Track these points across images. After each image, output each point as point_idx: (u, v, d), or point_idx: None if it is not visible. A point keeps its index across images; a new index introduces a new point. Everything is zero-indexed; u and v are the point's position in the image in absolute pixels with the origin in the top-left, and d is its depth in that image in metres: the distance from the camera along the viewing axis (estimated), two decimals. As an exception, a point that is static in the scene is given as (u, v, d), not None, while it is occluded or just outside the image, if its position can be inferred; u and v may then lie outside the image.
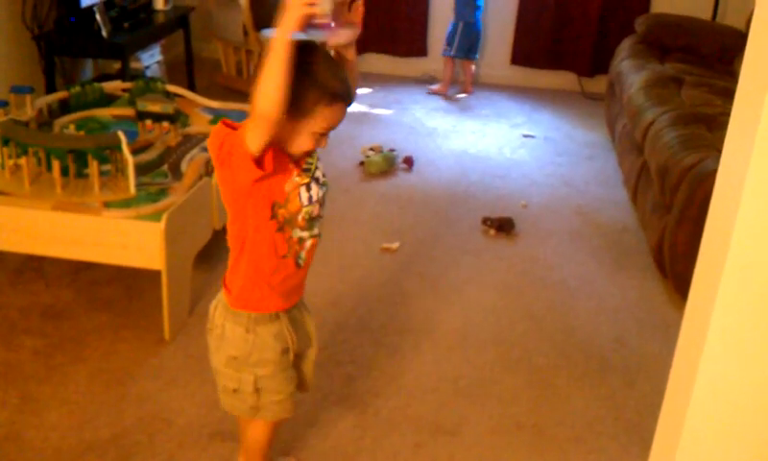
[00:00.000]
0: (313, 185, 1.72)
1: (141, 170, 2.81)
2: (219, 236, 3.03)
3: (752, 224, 1.03)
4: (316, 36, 1.56)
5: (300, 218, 1.71)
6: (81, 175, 2.72)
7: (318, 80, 1.58)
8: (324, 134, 1.65)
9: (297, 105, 1.57)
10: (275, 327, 1.79)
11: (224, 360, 1.82)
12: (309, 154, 1.69)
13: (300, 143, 1.63)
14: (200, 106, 3.53)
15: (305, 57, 1.58)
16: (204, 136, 3.18)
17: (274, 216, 1.68)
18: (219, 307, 1.82)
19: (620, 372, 2.61)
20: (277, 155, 1.61)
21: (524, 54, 5.61)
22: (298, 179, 1.68)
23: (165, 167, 2.92)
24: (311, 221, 1.75)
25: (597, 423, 2.37)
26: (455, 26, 5.27)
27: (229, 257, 1.77)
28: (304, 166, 1.70)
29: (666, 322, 2.89)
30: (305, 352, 1.94)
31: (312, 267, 1.85)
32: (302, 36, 1.51)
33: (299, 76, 1.55)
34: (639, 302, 3.04)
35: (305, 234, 1.75)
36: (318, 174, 1.75)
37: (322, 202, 1.77)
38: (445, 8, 5.60)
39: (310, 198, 1.72)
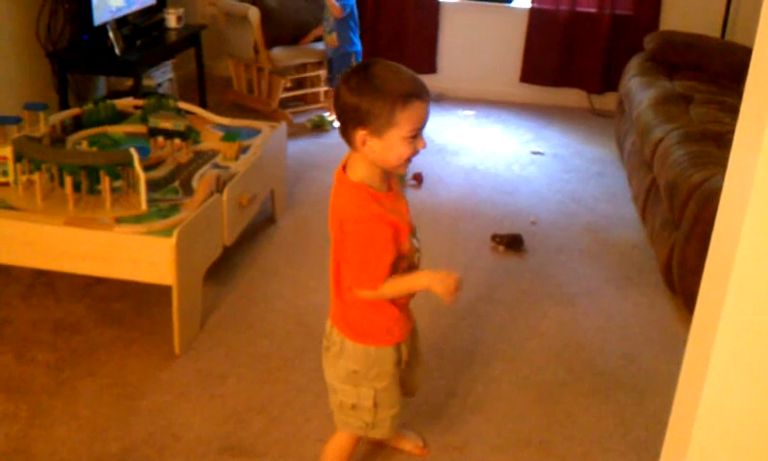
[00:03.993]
0: (416, 231, 1.87)
1: (153, 186, 2.84)
2: (229, 252, 3.05)
3: (756, 241, 1.04)
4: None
5: (416, 259, 1.84)
6: (93, 191, 2.75)
7: (385, 89, 1.62)
8: (415, 136, 1.69)
9: (378, 121, 1.63)
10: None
11: (342, 375, 1.84)
12: (409, 160, 1.76)
13: (399, 153, 1.69)
14: (211, 123, 3.57)
15: (368, 73, 1.64)
16: (215, 153, 3.21)
17: (395, 269, 1.78)
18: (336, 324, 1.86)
19: (629, 388, 2.61)
20: (397, 230, 1.74)
21: (533, 71, 5.63)
22: (414, 241, 1.83)
23: (176, 183, 2.95)
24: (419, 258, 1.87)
25: (605, 439, 2.37)
26: (350, 55, 4.67)
27: (340, 302, 1.84)
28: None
29: (675, 338, 2.89)
30: (411, 362, 1.98)
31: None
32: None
33: (368, 93, 1.61)
34: (649, 318, 3.03)
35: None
36: (413, 222, 1.87)
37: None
38: (455, 25, 5.64)
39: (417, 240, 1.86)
